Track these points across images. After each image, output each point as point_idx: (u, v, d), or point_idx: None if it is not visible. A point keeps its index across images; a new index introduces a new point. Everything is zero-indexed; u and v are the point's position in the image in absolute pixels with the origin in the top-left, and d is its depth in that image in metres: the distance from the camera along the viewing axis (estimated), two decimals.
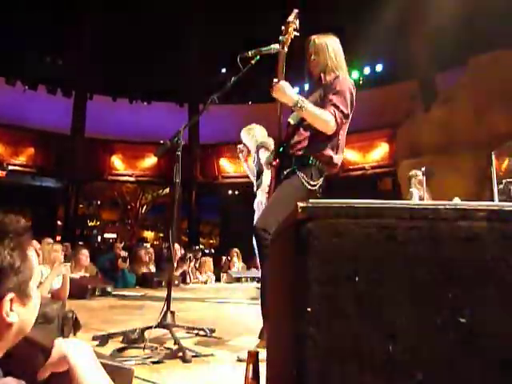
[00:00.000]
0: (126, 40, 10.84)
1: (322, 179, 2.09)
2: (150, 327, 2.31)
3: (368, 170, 11.33)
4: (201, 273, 8.80)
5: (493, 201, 4.85)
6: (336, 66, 2.18)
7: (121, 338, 2.34)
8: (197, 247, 10.48)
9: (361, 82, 10.52)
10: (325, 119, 2.00)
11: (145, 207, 20.15)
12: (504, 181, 5.01)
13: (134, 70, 11.27)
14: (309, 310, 0.67)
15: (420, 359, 0.68)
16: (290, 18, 2.13)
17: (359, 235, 0.70)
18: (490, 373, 0.69)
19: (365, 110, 8.75)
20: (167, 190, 17.01)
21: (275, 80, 2.06)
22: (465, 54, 8.50)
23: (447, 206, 0.72)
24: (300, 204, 0.70)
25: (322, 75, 2.19)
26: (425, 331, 0.69)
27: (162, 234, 21.45)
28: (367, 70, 10.77)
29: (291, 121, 2.20)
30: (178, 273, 7.57)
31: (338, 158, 2.11)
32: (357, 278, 0.68)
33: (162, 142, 2.59)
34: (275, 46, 2.16)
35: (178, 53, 11.68)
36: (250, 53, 2.23)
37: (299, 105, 1.99)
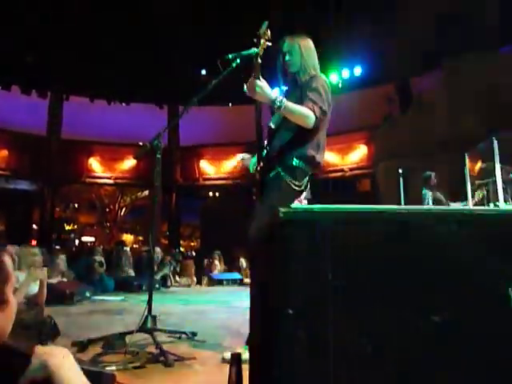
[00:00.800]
0: (104, 39, 10.66)
1: (306, 179, 2.13)
2: (131, 332, 2.29)
3: (347, 172, 11.51)
4: (182, 276, 8.73)
5: (466, 202, 5.00)
6: (310, 66, 2.21)
7: (101, 344, 2.31)
8: (177, 250, 10.38)
9: (340, 85, 10.67)
10: (304, 114, 2.04)
11: (124, 210, 19.85)
12: (477, 182, 5.16)
13: (113, 71, 11.07)
14: (290, 312, 0.69)
15: (396, 357, 0.71)
16: (262, 31, 2.14)
17: (338, 239, 0.72)
18: (463, 371, 0.72)
19: (343, 113, 8.89)
20: (146, 192, 16.81)
21: (251, 79, 2.06)
22: (440, 57, 8.74)
23: (423, 211, 0.76)
24: (281, 209, 0.71)
25: (297, 76, 2.22)
26: (401, 331, 0.72)
27: (141, 237, 21.17)
28: (346, 73, 10.92)
29: (272, 125, 2.22)
30: (158, 276, 7.50)
31: (319, 157, 2.16)
32: (335, 280, 0.71)
33: (141, 143, 2.56)
34: (256, 50, 2.18)
35: (157, 54, 11.57)
36: (230, 56, 2.24)
37: (278, 104, 2.00)
